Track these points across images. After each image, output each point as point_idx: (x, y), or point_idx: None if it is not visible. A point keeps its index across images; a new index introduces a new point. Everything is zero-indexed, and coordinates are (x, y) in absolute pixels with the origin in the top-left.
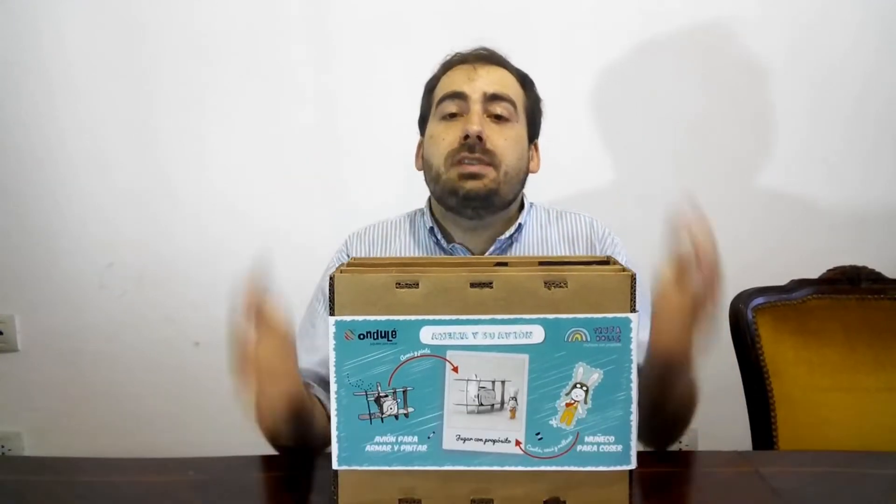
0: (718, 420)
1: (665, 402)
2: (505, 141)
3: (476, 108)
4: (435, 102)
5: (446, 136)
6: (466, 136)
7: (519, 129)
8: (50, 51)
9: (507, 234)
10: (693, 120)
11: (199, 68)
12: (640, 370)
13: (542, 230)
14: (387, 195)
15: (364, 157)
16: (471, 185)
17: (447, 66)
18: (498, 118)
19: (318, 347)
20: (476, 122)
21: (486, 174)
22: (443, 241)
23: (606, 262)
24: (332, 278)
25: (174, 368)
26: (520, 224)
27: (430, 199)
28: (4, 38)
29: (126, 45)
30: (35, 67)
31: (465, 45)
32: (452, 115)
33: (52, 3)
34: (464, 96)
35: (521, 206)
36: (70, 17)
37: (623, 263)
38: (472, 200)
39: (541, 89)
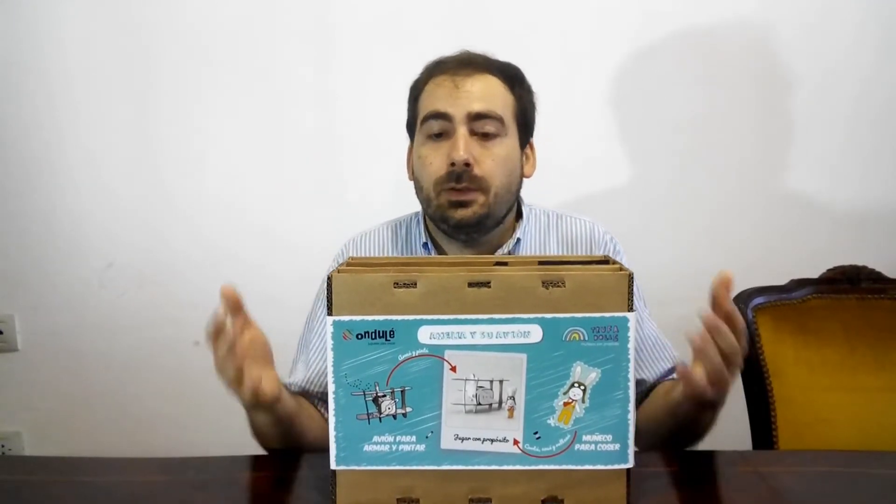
0: (719, 420)
1: (693, 427)
2: (493, 162)
3: (461, 130)
4: (420, 118)
5: (434, 160)
6: (453, 164)
7: (509, 142)
8: (50, 51)
9: (506, 249)
10: (694, 120)
11: (199, 69)
12: (675, 404)
13: (540, 238)
14: (386, 196)
15: (364, 157)
16: (460, 213)
17: (429, 74)
18: (485, 135)
19: (310, 364)
20: (462, 148)
21: (475, 200)
22: None
23: (604, 261)
24: (329, 278)
25: (174, 368)
26: (518, 238)
27: (424, 212)
28: (4, 38)
29: (126, 46)
30: (35, 67)
31: (450, 48)
32: (438, 135)
33: (52, 4)
34: (448, 117)
35: (520, 215)
36: (70, 17)
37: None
38: (462, 228)
39: (540, 90)
